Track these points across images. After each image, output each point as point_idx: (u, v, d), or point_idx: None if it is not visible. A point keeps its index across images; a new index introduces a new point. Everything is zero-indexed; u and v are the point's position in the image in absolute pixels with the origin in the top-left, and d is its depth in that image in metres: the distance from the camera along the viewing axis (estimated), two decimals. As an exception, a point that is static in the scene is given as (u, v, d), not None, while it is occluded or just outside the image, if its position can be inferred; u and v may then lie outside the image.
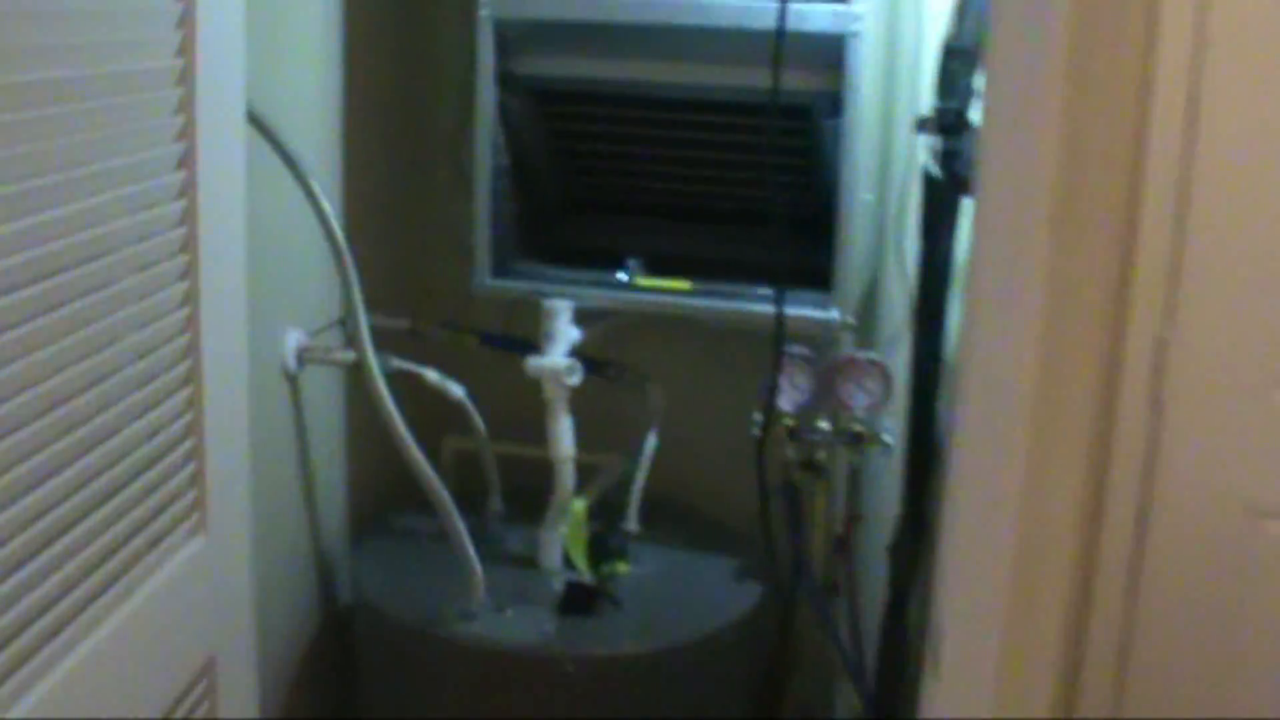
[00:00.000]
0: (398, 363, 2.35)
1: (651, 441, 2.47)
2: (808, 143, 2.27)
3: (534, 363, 2.23)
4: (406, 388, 2.33)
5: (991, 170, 1.65)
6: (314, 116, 2.36)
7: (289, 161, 2.04)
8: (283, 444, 2.36)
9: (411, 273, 2.71)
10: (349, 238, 2.37)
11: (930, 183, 2.22)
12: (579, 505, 2.37)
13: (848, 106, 2.10)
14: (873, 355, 2.22)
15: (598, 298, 2.31)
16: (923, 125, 2.20)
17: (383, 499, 2.65)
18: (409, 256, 2.70)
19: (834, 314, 2.19)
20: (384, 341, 2.38)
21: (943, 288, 2.27)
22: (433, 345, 2.54)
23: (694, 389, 2.66)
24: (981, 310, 1.68)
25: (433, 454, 2.51)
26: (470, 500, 2.45)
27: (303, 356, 2.33)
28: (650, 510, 2.50)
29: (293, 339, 2.32)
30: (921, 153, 2.25)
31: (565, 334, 2.24)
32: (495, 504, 2.47)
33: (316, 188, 2.08)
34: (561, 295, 2.28)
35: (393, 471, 2.36)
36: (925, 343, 2.30)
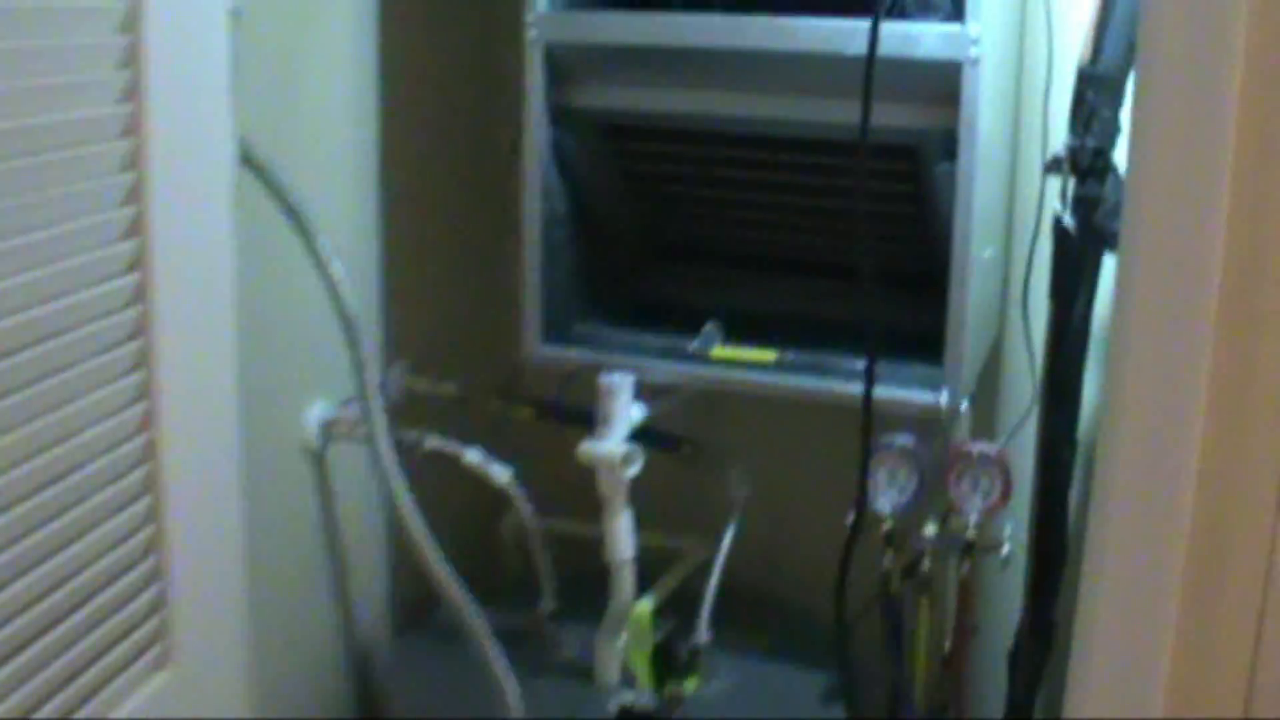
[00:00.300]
0: (433, 441, 2.04)
1: (729, 535, 2.12)
2: (915, 188, 1.91)
3: (586, 449, 1.90)
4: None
5: (1145, 220, 1.28)
6: (344, 159, 2.05)
7: (291, 211, 1.73)
8: (307, 531, 2.06)
9: (463, 333, 2.39)
10: (389, 292, 2.08)
11: (1063, 235, 1.85)
12: (644, 609, 2.03)
13: (964, 147, 1.73)
14: (991, 448, 1.84)
15: (666, 371, 1.97)
16: (1054, 167, 1.85)
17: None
18: (461, 315, 2.38)
19: (943, 396, 1.82)
20: (430, 411, 2.08)
21: (1078, 359, 1.92)
22: (485, 414, 2.22)
23: (785, 467, 2.32)
24: (1134, 386, 1.32)
25: (492, 534, 2.23)
26: (534, 589, 2.13)
27: (328, 431, 2.03)
28: (731, 606, 2.15)
29: (316, 413, 2.01)
30: (1053, 199, 1.87)
31: (624, 414, 1.90)
32: (548, 603, 2.13)
33: (322, 244, 1.76)
34: (622, 367, 1.93)
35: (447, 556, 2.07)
36: (1056, 424, 1.94)
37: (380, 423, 1.84)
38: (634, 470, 1.90)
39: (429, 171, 2.26)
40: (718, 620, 2.13)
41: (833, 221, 2.03)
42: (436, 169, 2.28)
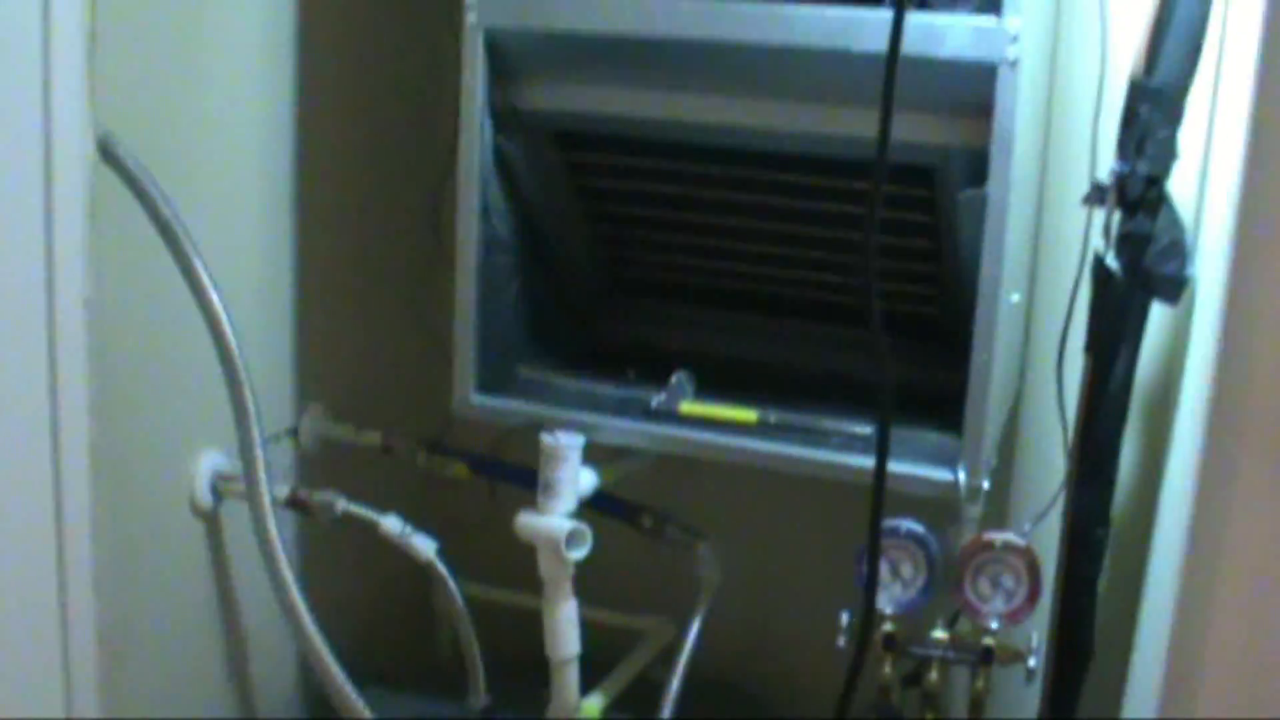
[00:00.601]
0: (344, 505, 1.70)
1: (697, 622, 1.79)
2: (933, 218, 1.59)
3: (526, 523, 1.56)
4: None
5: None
6: (250, 166, 1.72)
7: (159, 221, 1.39)
8: (196, 605, 1.72)
9: (391, 375, 2.05)
10: (303, 326, 1.75)
11: (1105, 279, 1.54)
12: (590, 711, 1.70)
13: (996, 170, 1.41)
14: (1018, 538, 1.51)
15: (624, 431, 1.63)
16: (1096, 197, 1.54)
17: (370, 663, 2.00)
18: (389, 354, 2.04)
19: (961, 474, 1.49)
20: (354, 464, 1.84)
21: (1116, 425, 1.61)
22: (415, 468, 1.89)
23: (764, 544, 2.01)
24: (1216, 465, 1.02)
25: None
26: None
27: (222, 487, 1.69)
28: (698, 700, 1.82)
29: (206, 464, 1.68)
30: (1093, 235, 1.56)
31: (570, 482, 1.56)
32: (476, 698, 1.78)
33: (197, 265, 1.42)
34: (571, 425, 1.60)
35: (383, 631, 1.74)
36: (1088, 502, 1.63)
37: (261, 480, 1.51)
38: (580, 553, 1.56)
39: (354, 184, 1.92)
40: (682, 717, 1.80)
41: (829, 254, 1.70)
42: (363, 181, 1.94)
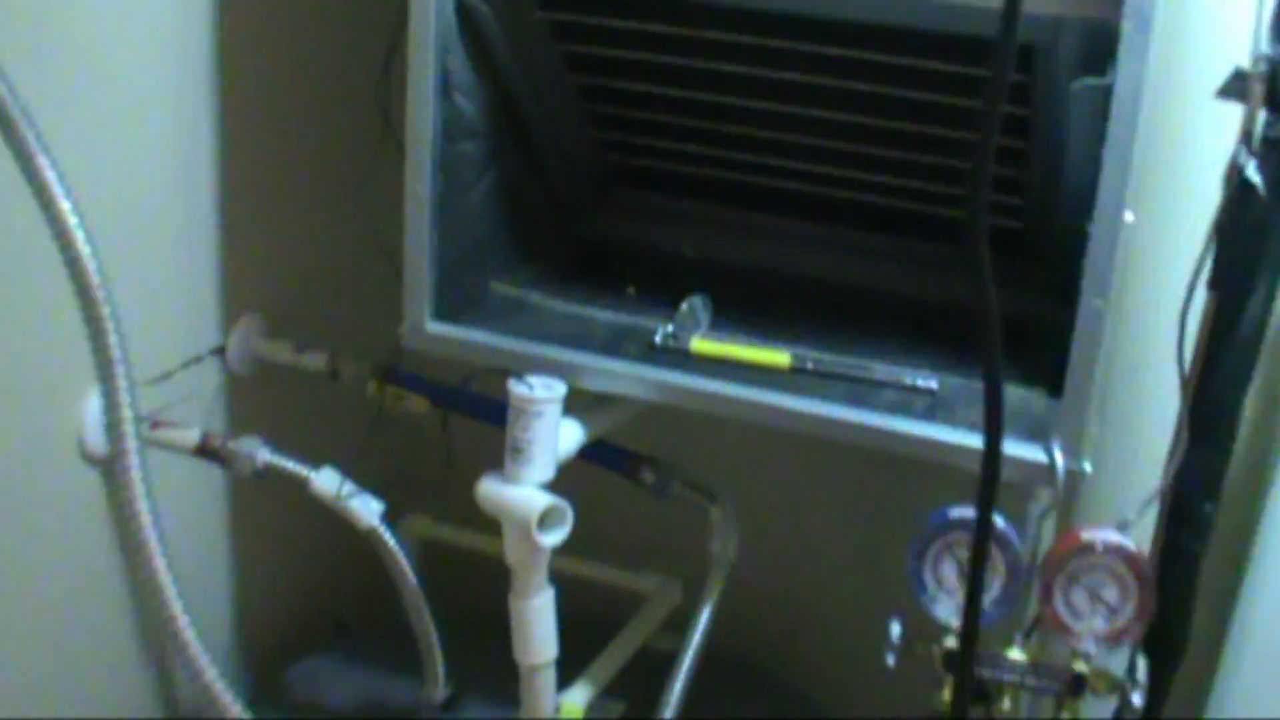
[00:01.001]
0: (269, 458, 1.36)
1: (708, 609, 1.45)
2: (1029, 113, 1.20)
3: (490, 492, 1.22)
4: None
5: None
6: (159, 31, 1.34)
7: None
8: (89, 566, 1.39)
9: (338, 286, 1.69)
10: (230, 225, 1.41)
11: (1244, 195, 1.17)
12: (573, 708, 1.37)
13: (1129, 51, 1.02)
14: (1124, 539, 1.16)
15: (617, 376, 1.27)
16: (1235, 89, 1.15)
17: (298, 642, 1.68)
18: (335, 260, 1.67)
19: (1056, 454, 1.13)
20: (294, 392, 1.55)
21: (1242, 377, 1.28)
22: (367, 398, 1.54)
23: (789, 503, 1.65)
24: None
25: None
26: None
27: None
28: (706, 681, 1.48)
29: (94, 406, 1.33)
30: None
31: (547, 443, 1.21)
32: (433, 690, 1.46)
33: (42, 164, 1.06)
34: (549, 366, 1.24)
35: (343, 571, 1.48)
36: (1198, 468, 1.30)
37: (129, 430, 1.17)
38: (558, 536, 1.22)
39: (284, 50, 1.53)
40: (691, 698, 1.47)
41: (891, 146, 1.32)
42: (296, 46, 1.55)
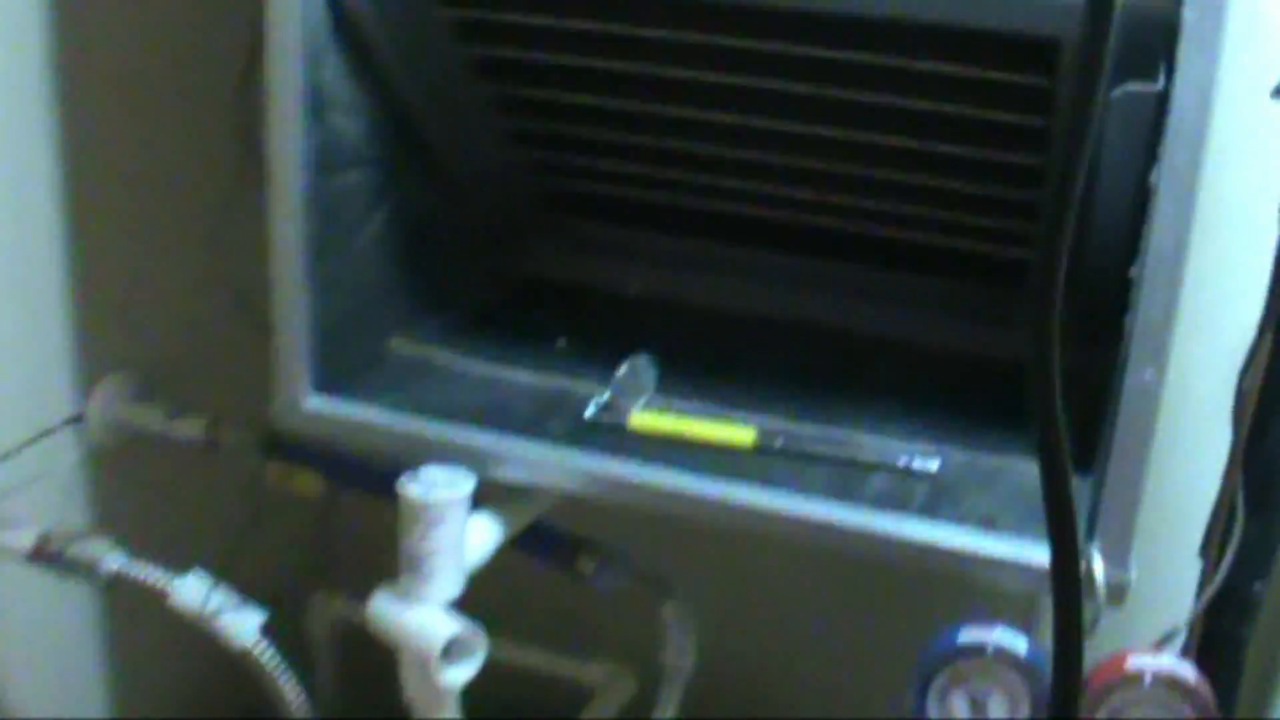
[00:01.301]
0: (118, 565, 1.10)
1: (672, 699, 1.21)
2: (1047, 123, 0.96)
3: (382, 616, 0.97)
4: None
5: None
6: None
7: None
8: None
9: (216, 344, 1.42)
10: (87, 276, 1.16)
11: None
12: None
13: (1190, 50, 0.77)
14: (1183, 665, 0.91)
15: (538, 466, 1.01)
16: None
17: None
18: (207, 316, 1.41)
19: (1096, 562, 0.88)
20: (168, 465, 1.31)
21: None
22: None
23: (755, 602, 1.41)
24: None
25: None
26: None
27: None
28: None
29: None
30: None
31: (451, 555, 0.96)
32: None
33: None
34: (451, 453, 0.99)
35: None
36: (1248, 543, 1.08)
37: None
38: (467, 672, 0.97)
39: (132, 65, 1.27)
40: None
41: (877, 164, 1.07)
42: (146, 62, 1.28)
